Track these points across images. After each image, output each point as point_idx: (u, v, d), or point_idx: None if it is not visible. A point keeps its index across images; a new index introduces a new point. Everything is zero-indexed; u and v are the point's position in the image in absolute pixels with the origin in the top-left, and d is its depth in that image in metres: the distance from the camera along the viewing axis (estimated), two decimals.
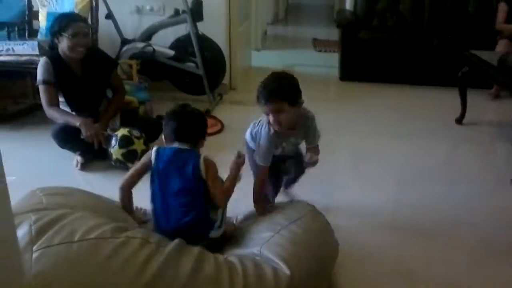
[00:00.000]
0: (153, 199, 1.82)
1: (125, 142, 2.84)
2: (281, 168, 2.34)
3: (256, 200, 2.09)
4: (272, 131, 2.02)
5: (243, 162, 1.98)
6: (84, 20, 3.15)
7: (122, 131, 2.88)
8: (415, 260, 2.17)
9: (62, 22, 2.91)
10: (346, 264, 2.06)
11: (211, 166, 1.82)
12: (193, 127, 1.89)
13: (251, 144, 2.20)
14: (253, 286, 1.51)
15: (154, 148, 1.86)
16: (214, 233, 1.84)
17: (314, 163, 2.20)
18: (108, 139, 2.91)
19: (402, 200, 2.72)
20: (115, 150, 2.85)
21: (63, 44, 2.90)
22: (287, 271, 1.57)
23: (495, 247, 2.29)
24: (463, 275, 2.08)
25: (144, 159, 1.90)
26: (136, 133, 2.89)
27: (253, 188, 2.10)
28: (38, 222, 1.51)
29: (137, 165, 1.93)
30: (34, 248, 1.42)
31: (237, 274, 1.52)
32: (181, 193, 1.77)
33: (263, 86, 1.94)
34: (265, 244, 1.68)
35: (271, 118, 1.94)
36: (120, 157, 2.84)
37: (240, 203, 2.09)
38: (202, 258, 1.55)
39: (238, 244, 1.82)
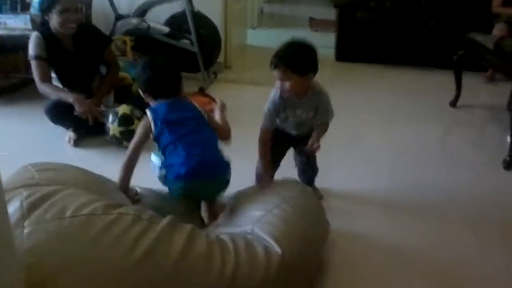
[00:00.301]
0: (174, 152, 1.85)
1: (125, 121, 2.84)
2: (281, 149, 2.34)
3: (260, 168, 2.18)
4: (278, 95, 2.06)
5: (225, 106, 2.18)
6: None
7: (124, 109, 2.87)
8: (407, 240, 2.19)
9: None
10: (338, 243, 2.08)
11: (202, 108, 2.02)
12: (176, 82, 1.98)
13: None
14: (245, 264, 1.51)
15: (148, 111, 1.90)
16: (228, 175, 1.94)
17: (315, 149, 2.18)
18: (105, 114, 2.90)
19: (395, 181, 2.73)
20: (113, 126, 2.84)
21: (53, 21, 2.85)
22: (278, 249, 1.58)
23: (487, 229, 2.32)
24: (455, 254, 2.11)
25: (141, 130, 1.92)
26: (137, 113, 2.88)
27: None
28: (29, 198, 1.51)
29: (136, 140, 1.92)
30: (25, 223, 1.42)
31: (229, 252, 1.53)
32: (198, 132, 1.90)
33: (276, 51, 2.00)
34: (257, 223, 1.68)
35: (278, 83, 2.01)
36: (117, 134, 2.84)
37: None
38: (194, 236, 1.56)
39: (230, 222, 1.83)
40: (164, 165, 1.91)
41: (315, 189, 2.46)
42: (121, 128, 2.83)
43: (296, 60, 1.97)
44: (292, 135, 2.26)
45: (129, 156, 1.92)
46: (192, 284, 1.47)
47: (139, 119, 2.84)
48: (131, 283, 1.41)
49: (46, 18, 2.89)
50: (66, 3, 2.83)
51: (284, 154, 2.39)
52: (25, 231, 1.39)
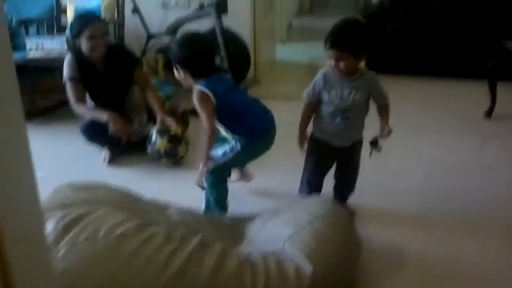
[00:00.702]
0: (243, 118, 2.15)
1: (175, 140, 2.93)
2: (326, 165, 2.34)
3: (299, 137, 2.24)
4: (328, 70, 2.08)
5: None
6: (100, 18, 3.16)
7: (177, 129, 2.95)
8: (442, 258, 2.14)
9: (78, 24, 2.96)
10: (371, 261, 2.05)
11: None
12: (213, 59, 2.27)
13: None
14: (275, 284, 1.51)
15: (202, 88, 2.05)
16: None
17: (387, 134, 2.15)
18: (139, 132, 2.98)
19: (429, 195, 2.68)
20: (162, 141, 2.91)
21: (83, 46, 2.95)
22: (309, 267, 1.57)
23: None
24: (488, 273, 2.05)
25: (205, 103, 2.06)
26: (186, 137, 3.00)
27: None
28: (64, 219, 1.55)
29: (207, 113, 2.07)
30: (60, 245, 1.46)
31: (259, 272, 1.53)
32: (246, 97, 2.31)
33: (331, 30, 2.02)
34: (289, 240, 1.68)
35: (331, 62, 2.02)
36: (162, 150, 2.91)
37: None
38: (225, 255, 1.57)
39: (261, 239, 1.83)
40: (239, 132, 2.12)
41: (347, 206, 2.43)
42: (169, 145, 2.89)
43: (354, 41, 1.97)
44: (336, 148, 2.22)
45: (211, 128, 2.08)
46: None
47: (186, 144, 2.97)
48: None
49: (77, 43, 2.99)
50: (93, 29, 2.91)
51: (328, 170, 2.37)
52: (60, 253, 1.43)
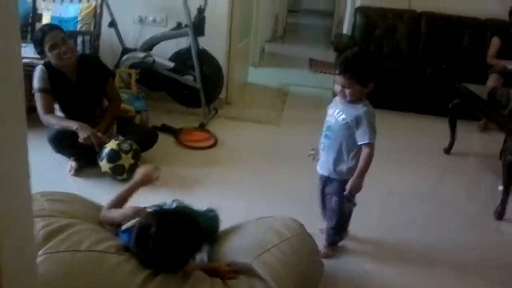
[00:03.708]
0: None
1: (112, 156, 2.89)
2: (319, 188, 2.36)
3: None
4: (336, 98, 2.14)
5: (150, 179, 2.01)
6: (58, 27, 3.13)
7: (111, 145, 2.92)
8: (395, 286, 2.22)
9: (38, 38, 2.96)
10: (330, 284, 2.11)
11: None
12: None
13: None
14: None
15: None
16: None
17: (352, 189, 2.16)
18: (99, 149, 2.94)
19: (386, 225, 2.77)
20: (103, 164, 2.90)
21: (50, 58, 2.96)
22: None
23: (472, 279, 2.35)
24: None
25: None
26: (125, 146, 2.93)
27: None
28: (45, 228, 1.56)
29: None
30: (40, 252, 1.46)
31: None
32: None
33: (344, 56, 2.08)
34: (256, 260, 1.72)
35: (338, 87, 2.06)
36: (108, 171, 2.91)
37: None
38: (198, 280, 1.59)
39: (228, 250, 1.85)
40: None
41: (331, 249, 2.39)
42: (110, 165, 2.89)
43: (363, 70, 2.02)
44: (320, 175, 2.28)
45: None
46: None
47: (127, 152, 2.90)
48: None
49: (45, 58, 2.99)
50: (51, 39, 2.92)
51: (323, 201, 2.39)
52: (39, 259, 1.43)
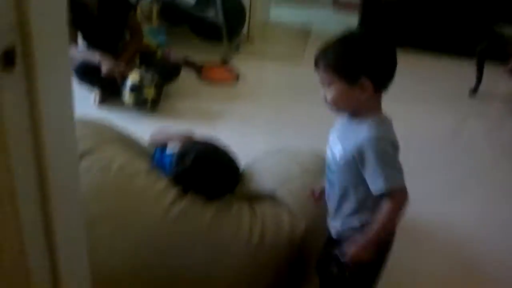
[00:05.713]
0: None
1: (135, 89, 2.92)
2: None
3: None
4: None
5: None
6: None
7: (134, 77, 2.92)
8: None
9: None
10: None
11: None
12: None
13: None
14: (270, 230, 1.58)
15: None
16: None
17: (352, 256, 1.25)
18: (122, 82, 2.95)
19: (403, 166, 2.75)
20: (126, 95, 2.92)
21: None
22: (303, 223, 1.63)
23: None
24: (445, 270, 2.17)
25: None
26: (148, 78, 2.93)
27: None
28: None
29: None
30: None
31: (256, 215, 1.61)
32: None
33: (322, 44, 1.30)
34: (281, 187, 1.74)
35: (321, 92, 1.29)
36: (131, 103, 2.94)
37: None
38: (228, 201, 1.63)
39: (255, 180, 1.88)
40: None
41: None
42: (132, 97, 2.92)
43: (345, 58, 1.23)
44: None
45: None
46: (223, 241, 1.54)
47: (150, 85, 2.92)
48: (169, 234, 1.48)
49: None
50: None
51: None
52: None
